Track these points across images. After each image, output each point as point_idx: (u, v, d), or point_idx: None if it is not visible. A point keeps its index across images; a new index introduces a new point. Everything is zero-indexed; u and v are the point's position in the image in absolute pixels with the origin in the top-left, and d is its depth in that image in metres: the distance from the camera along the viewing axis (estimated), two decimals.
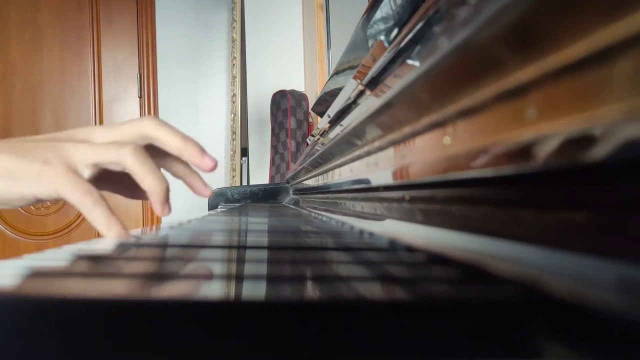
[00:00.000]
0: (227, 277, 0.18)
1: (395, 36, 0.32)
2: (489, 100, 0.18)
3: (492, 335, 0.12)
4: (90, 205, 0.34)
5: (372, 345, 0.12)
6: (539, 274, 0.14)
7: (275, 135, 2.05)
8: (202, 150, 0.39)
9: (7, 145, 0.35)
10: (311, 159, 0.79)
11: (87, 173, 0.36)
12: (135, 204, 2.45)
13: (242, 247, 0.29)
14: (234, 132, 2.52)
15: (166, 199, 0.37)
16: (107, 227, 0.35)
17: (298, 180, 1.14)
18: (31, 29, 2.50)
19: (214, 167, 0.39)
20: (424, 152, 0.26)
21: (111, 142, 0.37)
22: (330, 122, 0.64)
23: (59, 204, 2.38)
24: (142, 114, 2.57)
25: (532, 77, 0.15)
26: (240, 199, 1.39)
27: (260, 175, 2.27)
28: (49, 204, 2.34)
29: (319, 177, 0.76)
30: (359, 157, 0.44)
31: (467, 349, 0.12)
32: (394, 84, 0.31)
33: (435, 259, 0.22)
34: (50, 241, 2.43)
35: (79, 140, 0.37)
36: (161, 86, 2.60)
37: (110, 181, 0.40)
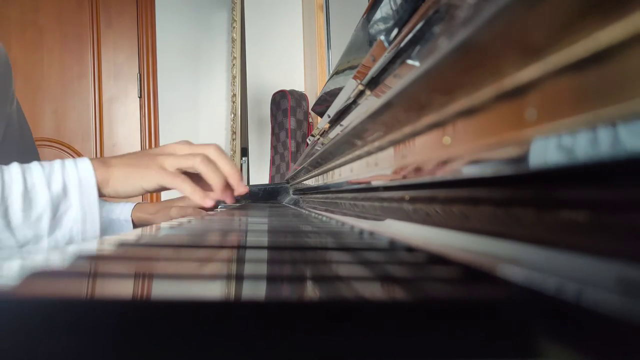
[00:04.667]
0: (227, 277, 0.18)
1: (395, 36, 0.32)
2: (489, 100, 0.18)
3: (492, 336, 0.12)
4: (180, 182, 0.55)
5: (372, 345, 0.12)
6: (539, 274, 0.14)
7: (275, 135, 2.05)
8: (240, 179, 0.60)
9: (121, 159, 0.57)
10: (311, 159, 0.79)
11: (174, 171, 0.57)
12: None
13: (242, 247, 0.29)
14: (234, 132, 2.52)
15: (225, 189, 0.58)
16: (193, 194, 0.56)
17: (298, 180, 1.14)
18: (31, 29, 2.50)
19: (244, 192, 0.61)
20: (424, 152, 0.26)
21: (188, 154, 0.58)
22: (330, 122, 0.64)
23: None
24: (142, 114, 2.57)
25: (532, 76, 0.15)
26: (240, 199, 1.39)
27: (260, 175, 2.27)
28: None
29: (319, 177, 0.76)
30: (359, 157, 0.44)
31: (467, 349, 0.12)
32: (394, 84, 0.31)
33: (435, 259, 0.22)
34: None
35: (167, 153, 0.58)
36: (161, 86, 2.60)
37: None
